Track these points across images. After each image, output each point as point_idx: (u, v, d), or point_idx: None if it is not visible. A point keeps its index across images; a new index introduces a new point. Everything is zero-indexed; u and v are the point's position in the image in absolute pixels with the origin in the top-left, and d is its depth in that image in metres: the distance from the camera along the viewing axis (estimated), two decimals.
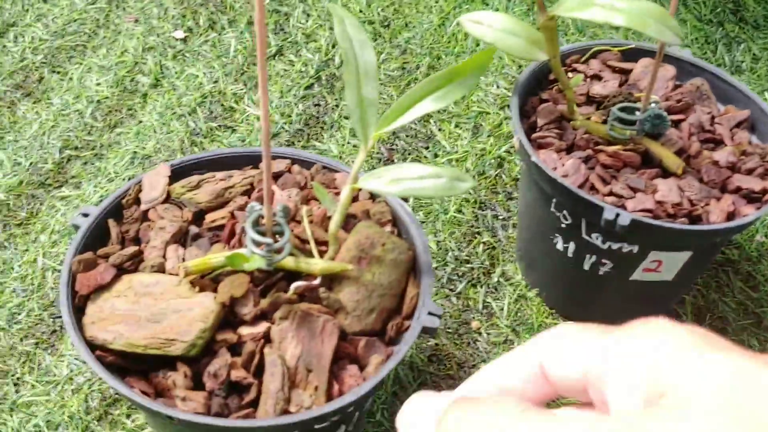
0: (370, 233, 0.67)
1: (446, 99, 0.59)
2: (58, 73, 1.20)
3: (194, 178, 0.70)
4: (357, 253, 0.65)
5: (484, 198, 1.07)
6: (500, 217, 1.05)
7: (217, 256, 0.61)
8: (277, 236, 0.61)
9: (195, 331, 0.57)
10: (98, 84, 1.18)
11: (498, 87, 1.25)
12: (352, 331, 0.63)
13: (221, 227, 0.67)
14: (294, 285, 0.61)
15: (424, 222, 1.03)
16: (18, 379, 0.84)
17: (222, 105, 1.17)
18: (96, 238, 0.66)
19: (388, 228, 0.70)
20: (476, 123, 1.18)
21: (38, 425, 0.80)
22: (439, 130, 1.17)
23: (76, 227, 0.66)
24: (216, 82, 1.20)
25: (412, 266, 0.68)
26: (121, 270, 0.63)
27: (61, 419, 0.80)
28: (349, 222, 0.70)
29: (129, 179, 1.04)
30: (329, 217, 0.69)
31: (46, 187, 1.03)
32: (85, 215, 0.66)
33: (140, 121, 1.13)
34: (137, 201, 0.69)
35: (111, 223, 0.67)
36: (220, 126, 1.14)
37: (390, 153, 1.13)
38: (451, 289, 0.96)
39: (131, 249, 0.64)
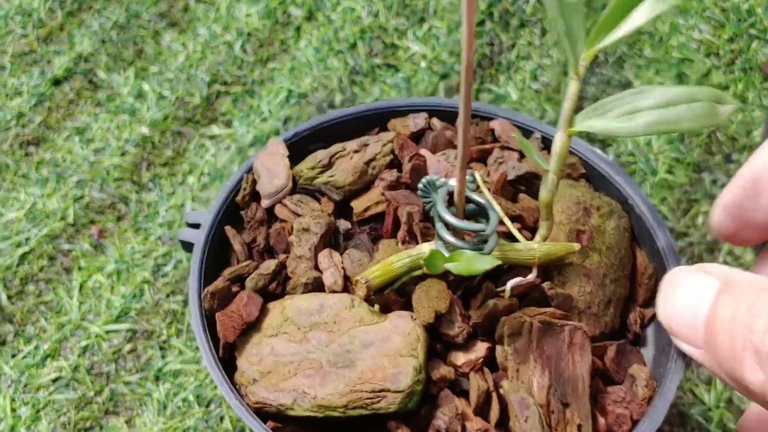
0: (577, 195, 0.51)
1: None
2: (204, 2, 1.08)
3: (320, 154, 0.54)
4: (571, 227, 0.50)
5: (699, 158, 0.89)
6: (719, 183, 0.86)
7: (399, 258, 0.46)
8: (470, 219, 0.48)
9: (408, 371, 0.42)
10: (248, 15, 1.06)
11: (700, 32, 1.05)
12: (592, 336, 0.47)
13: (377, 216, 0.52)
14: (511, 283, 0.46)
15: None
16: (164, 342, 0.73)
17: (383, 41, 1.02)
18: (215, 253, 0.51)
19: (584, 185, 0.54)
20: (679, 71, 0.99)
21: (187, 399, 0.69)
22: (636, 77, 0.99)
23: (187, 245, 0.51)
24: (376, 16, 1.06)
25: (632, 231, 0.52)
26: (265, 295, 0.48)
27: (214, 395, 0.69)
28: (531, 183, 0.54)
29: (285, 120, 0.92)
30: (510, 181, 0.53)
31: (194, 124, 0.92)
32: (195, 226, 0.52)
33: (294, 57, 1.00)
34: (255, 195, 0.54)
35: (229, 231, 0.52)
36: (381, 64, 0.99)
37: (579, 105, 0.96)
38: None
39: (271, 264, 0.49)
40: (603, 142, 0.91)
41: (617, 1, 0.43)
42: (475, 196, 0.47)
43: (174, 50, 1.01)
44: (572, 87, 0.45)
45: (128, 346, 0.72)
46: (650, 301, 0.51)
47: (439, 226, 0.45)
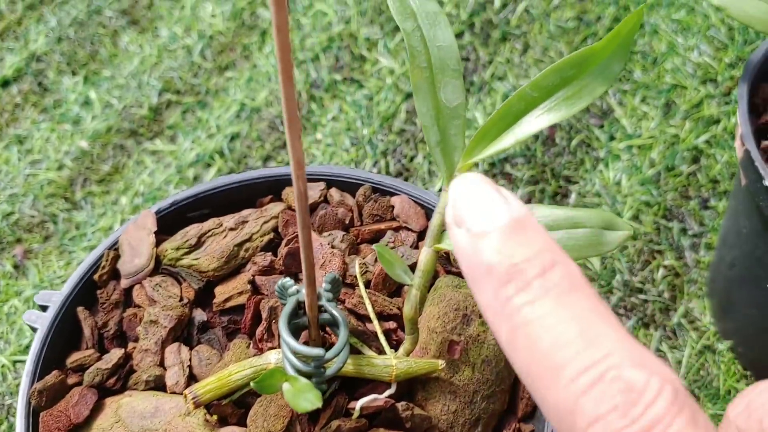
0: (458, 300, 0.45)
1: (573, 104, 0.36)
2: None
3: (191, 231, 0.49)
4: (445, 336, 0.44)
5: (671, 203, 0.82)
6: (690, 233, 0.79)
7: (239, 369, 0.42)
8: (326, 330, 0.44)
9: None
10: (213, 16, 1.00)
11: (700, 54, 0.97)
12: None
13: (239, 308, 0.47)
14: (360, 403, 0.41)
15: None
16: None
17: (351, 52, 0.96)
18: (64, 336, 0.47)
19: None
20: (668, 99, 0.91)
21: None
22: (620, 104, 0.91)
23: (33, 329, 0.47)
24: (348, 22, 0.99)
25: None
26: (103, 390, 0.44)
27: None
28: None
29: (232, 137, 0.87)
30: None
31: (137, 137, 0.88)
32: (44, 308, 0.47)
33: (255, 65, 0.95)
34: (115, 274, 0.49)
35: (81, 312, 0.48)
36: (345, 79, 0.93)
37: (551, 131, 0.89)
38: None
39: (114, 356, 0.45)
40: (569, 179, 0.84)
41: (501, 109, 0.38)
42: (330, 307, 0.42)
43: (130, 52, 0.96)
44: (443, 201, 0.40)
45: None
46: (530, 415, 0.46)
47: (282, 342, 0.41)
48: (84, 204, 0.82)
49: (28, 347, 0.71)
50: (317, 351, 0.39)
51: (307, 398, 0.37)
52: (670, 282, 0.76)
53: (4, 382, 0.69)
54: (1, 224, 0.80)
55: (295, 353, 0.40)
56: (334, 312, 0.42)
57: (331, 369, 0.41)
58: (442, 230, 0.40)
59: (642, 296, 0.75)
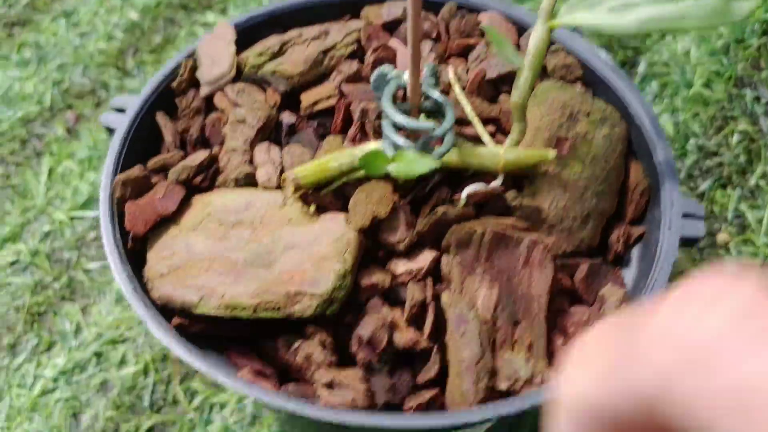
0: (564, 99, 0.43)
1: None
2: None
3: (273, 41, 0.47)
4: (552, 133, 0.42)
5: (742, 73, 0.78)
6: (763, 101, 0.76)
7: (338, 155, 0.39)
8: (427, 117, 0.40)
9: (330, 276, 0.36)
10: None
11: None
12: (562, 252, 0.41)
13: (328, 111, 0.44)
14: (467, 190, 0.39)
15: (657, 96, 0.77)
16: None
17: None
18: (143, 144, 0.45)
19: (578, 89, 0.46)
20: None
21: None
22: None
23: (110, 130, 0.45)
24: None
25: (628, 144, 0.44)
26: (190, 188, 0.42)
27: None
28: None
29: None
30: (491, 81, 0.46)
31: (188, 11, 0.85)
32: (121, 110, 0.45)
33: None
34: (194, 82, 0.47)
35: (161, 118, 0.45)
36: None
37: None
38: (691, 188, 0.71)
39: (199, 156, 0.42)
40: (637, 49, 0.81)
41: None
42: (434, 92, 0.40)
43: None
44: None
45: (93, 234, 0.68)
46: (639, 219, 0.44)
47: (384, 123, 0.39)
48: (136, 72, 0.80)
49: (84, 204, 0.70)
50: (427, 124, 0.37)
51: (422, 163, 0.35)
52: (745, 147, 0.73)
53: (62, 236, 0.68)
54: (52, 92, 0.78)
55: (401, 129, 0.38)
56: (437, 95, 0.39)
57: (438, 150, 0.38)
58: (556, 3, 0.37)
59: (717, 159, 0.72)
